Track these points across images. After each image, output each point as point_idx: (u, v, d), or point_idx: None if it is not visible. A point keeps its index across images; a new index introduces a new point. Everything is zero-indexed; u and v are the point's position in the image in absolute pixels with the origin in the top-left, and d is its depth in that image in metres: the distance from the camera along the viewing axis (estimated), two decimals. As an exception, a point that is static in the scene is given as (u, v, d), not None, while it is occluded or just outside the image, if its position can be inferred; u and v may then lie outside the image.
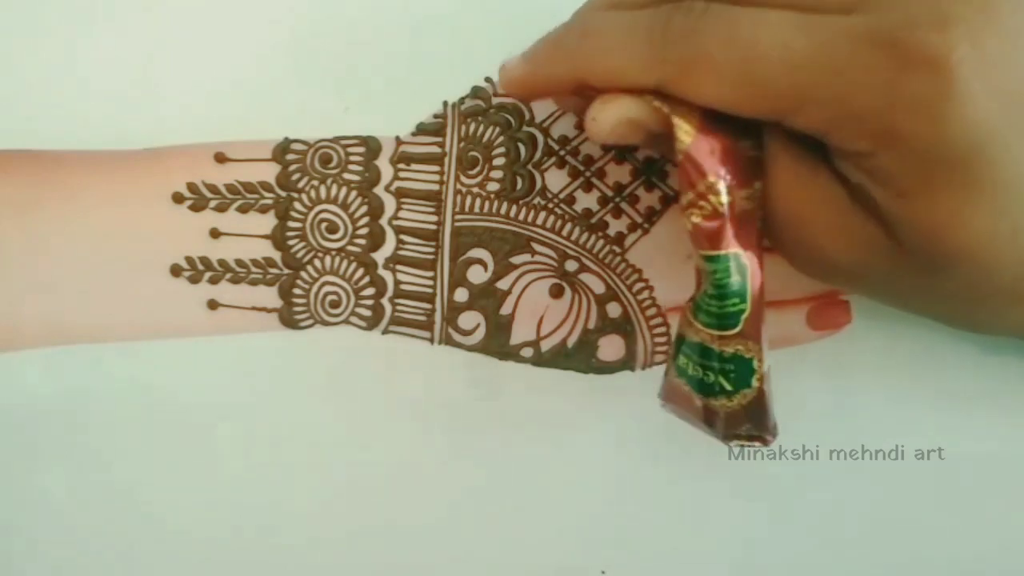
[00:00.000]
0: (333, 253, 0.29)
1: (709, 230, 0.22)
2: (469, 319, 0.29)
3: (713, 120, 0.22)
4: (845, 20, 0.20)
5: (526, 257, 0.29)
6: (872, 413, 0.29)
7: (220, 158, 0.29)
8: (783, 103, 0.20)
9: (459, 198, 0.29)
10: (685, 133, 0.21)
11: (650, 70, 0.22)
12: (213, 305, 0.29)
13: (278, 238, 0.29)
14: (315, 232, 0.29)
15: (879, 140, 0.20)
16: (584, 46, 0.23)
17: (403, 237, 0.29)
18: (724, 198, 0.21)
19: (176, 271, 0.28)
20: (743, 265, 0.22)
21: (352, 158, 0.29)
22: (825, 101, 0.20)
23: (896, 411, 0.29)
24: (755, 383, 0.23)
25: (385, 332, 0.29)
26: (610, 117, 0.22)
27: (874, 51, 0.19)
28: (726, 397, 0.23)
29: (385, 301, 0.29)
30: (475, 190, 0.29)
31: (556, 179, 0.29)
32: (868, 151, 0.20)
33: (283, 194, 0.29)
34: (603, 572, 0.29)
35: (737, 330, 0.22)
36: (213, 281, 0.29)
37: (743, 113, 0.21)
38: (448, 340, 0.29)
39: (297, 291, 0.29)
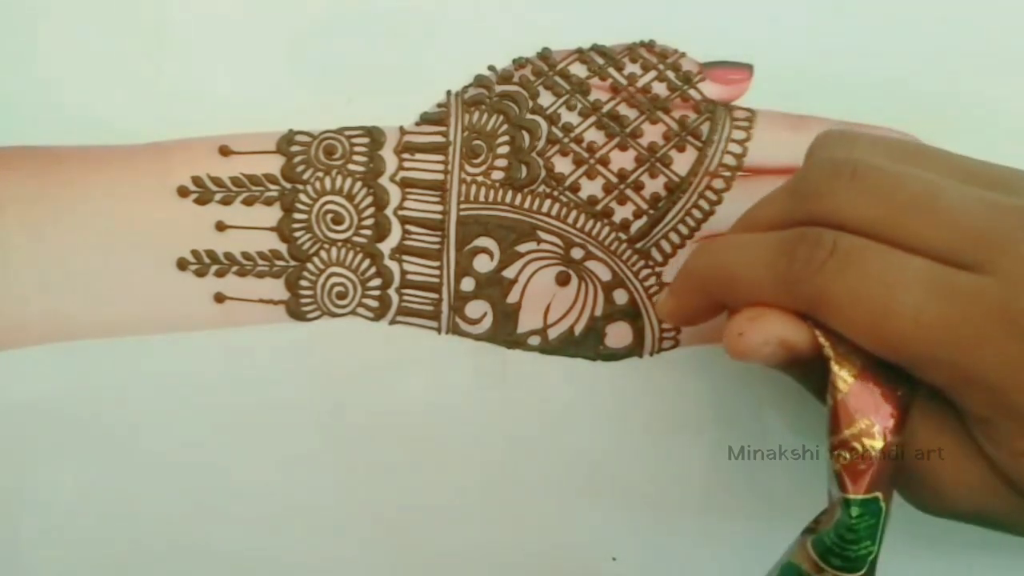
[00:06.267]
0: (339, 244, 0.29)
1: (857, 473, 0.21)
2: (476, 308, 0.29)
3: (874, 363, 0.21)
4: (977, 283, 0.20)
5: (532, 245, 0.29)
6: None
7: (224, 151, 0.29)
8: (912, 358, 0.21)
9: (464, 187, 0.29)
10: (843, 381, 0.21)
11: (781, 300, 0.22)
12: (220, 298, 0.29)
13: (284, 230, 0.29)
14: (321, 223, 0.29)
15: (998, 410, 0.20)
16: (714, 275, 0.23)
17: (409, 227, 0.29)
18: (879, 443, 0.21)
19: (182, 265, 0.28)
20: (881, 508, 0.21)
21: (356, 149, 0.29)
22: (951, 364, 0.20)
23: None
24: None
25: (392, 322, 0.29)
26: (760, 334, 0.22)
27: (1001, 327, 0.20)
28: None
29: (392, 291, 0.29)
30: (480, 179, 0.29)
31: (560, 167, 0.29)
32: (987, 417, 0.20)
33: (288, 186, 0.29)
34: (614, 558, 0.29)
35: (862, 572, 0.22)
36: (219, 274, 0.29)
37: (876, 353, 0.21)
38: (455, 329, 0.29)
39: (304, 283, 0.29)
